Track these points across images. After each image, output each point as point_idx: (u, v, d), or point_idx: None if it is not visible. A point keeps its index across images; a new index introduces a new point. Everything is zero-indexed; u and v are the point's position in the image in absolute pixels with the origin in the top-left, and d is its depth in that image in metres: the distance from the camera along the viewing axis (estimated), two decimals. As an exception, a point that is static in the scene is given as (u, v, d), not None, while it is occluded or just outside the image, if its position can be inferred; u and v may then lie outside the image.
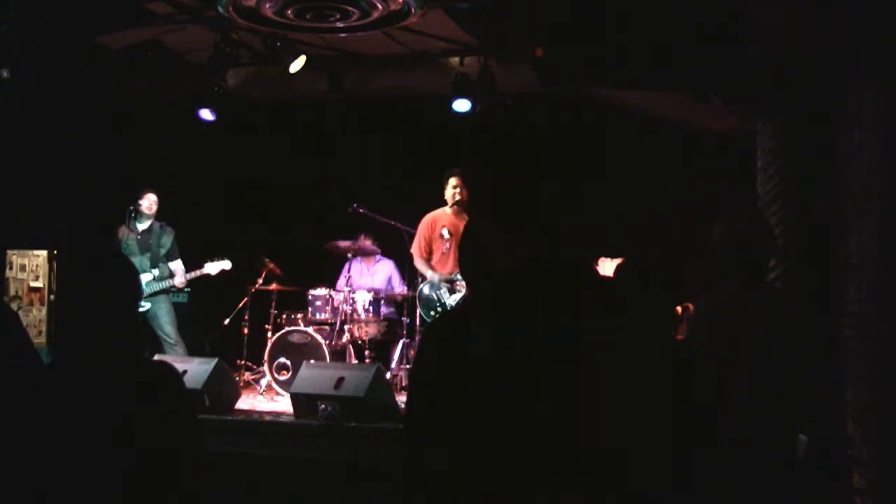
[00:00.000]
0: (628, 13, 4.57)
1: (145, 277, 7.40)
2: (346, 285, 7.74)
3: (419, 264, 7.18)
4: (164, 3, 6.31)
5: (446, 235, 7.08)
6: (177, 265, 7.61)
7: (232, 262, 7.70)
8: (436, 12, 6.25)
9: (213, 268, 7.58)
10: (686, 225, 7.07)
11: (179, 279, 7.53)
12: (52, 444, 2.19)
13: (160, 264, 7.53)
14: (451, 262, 7.04)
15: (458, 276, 6.97)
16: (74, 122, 7.94)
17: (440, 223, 7.13)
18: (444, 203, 7.19)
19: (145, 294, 7.36)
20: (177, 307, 7.70)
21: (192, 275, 7.58)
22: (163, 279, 7.50)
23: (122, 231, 7.54)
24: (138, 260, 7.40)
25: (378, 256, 8.31)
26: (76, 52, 6.93)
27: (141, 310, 7.38)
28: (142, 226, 7.56)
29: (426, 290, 7.13)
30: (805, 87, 5.11)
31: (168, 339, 7.42)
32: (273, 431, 6.02)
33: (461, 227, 7.49)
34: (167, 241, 7.62)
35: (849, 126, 4.81)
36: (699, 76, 4.84)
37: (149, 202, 7.51)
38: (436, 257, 7.16)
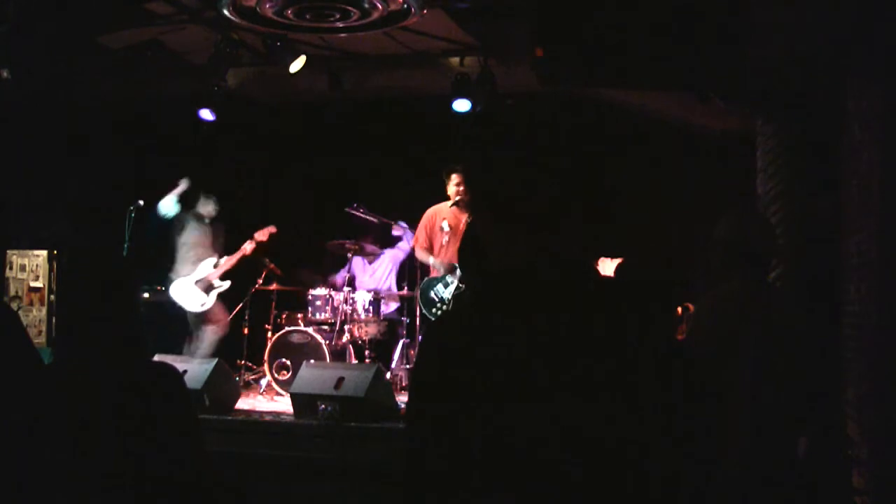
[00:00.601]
0: (628, 13, 4.56)
1: (210, 264, 7.67)
2: (348, 284, 7.75)
3: (420, 254, 7.20)
4: (164, 3, 6.31)
5: (445, 228, 7.07)
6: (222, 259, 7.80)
7: (232, 262, 7.72)
8: (436, 12, 6.25)
9: (252, 243, 7.73)
10: (686, 225, 7.06)
11: (231, 261, 7.73)
12: (52, 444, 2.19)
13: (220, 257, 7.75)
14: (448, 254, 7.03)
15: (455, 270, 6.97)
16: (74, 123, 7.94)
17: (440, 216, 7.13)
18: (445, 199, 7.18)
19: (216, 274, 7.65)
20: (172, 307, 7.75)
21: (235, 257, 7.75)
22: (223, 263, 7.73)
23: (192, 224, 7.73)
24: (208, 252, 7.71)
25: (380, 253, 8.32)
26: (76, 52, 6.92)
27: (202, 309, 7.62)
28: (210, 222, 7.79)
29: (425, 286, 7.16)
30: (805, 87, 5.11)
31: (200, 338, 7.62)
32: (273, 431, 6.02)
33: (461, 222, 7.46)
34: (222, 239, 7.87)
35: (849, 126, 4.81)
36: (699, 76, 4.84)
37: (213, 205, 7.76)
38: (435, 250, 7.16)
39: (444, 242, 7.06)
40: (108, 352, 2.29)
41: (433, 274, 7.15)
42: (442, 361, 1.68)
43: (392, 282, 8.26)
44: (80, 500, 2.19)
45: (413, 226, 7.50)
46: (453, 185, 7.03)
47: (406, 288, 8.06)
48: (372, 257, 8.29)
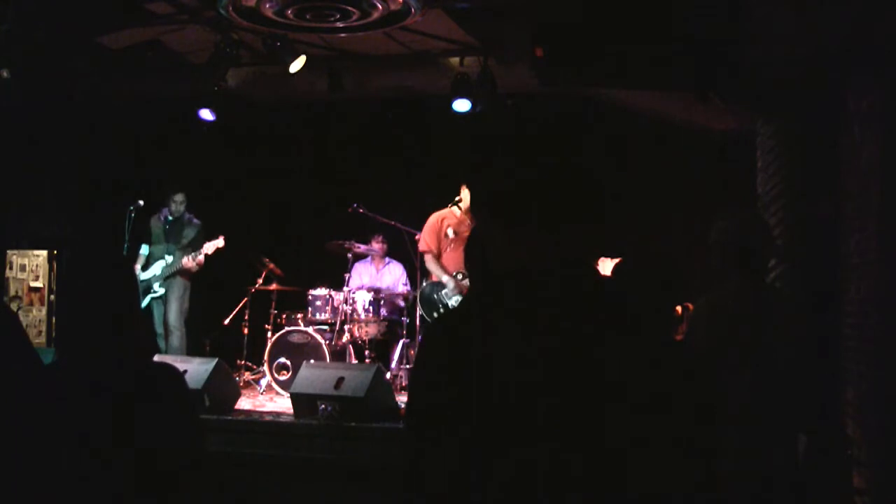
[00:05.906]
0: (628, 13, 4.57)
1: (161, 263, 7.69)
2: (354, 285, 7.75)
3: (433, 266, 7.04)
4: (164, 3, 6.31)
5: (451, 235, 7.02)
6: (199, 255, 7.71)
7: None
8: (436, 12, 6.25)
9: (209, 247, 7.65)
10: (686, 225, 7.06)
11: (186, 260, 7.64)
12: (52, 444, 2.19)
13: (177, 253, 7.68)
14: (453, 261, 6.98)
15: (460, 276, 6.92)
16: (74, 123, 7.94)
17: (447, 222, 7.06)
18: (445, 201, 7.15)
19: (158, 277, 7.68)
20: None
21: (196, 255, 7.66)
22: (174, 265, 7.68)
23: (154, 221, 7.83)
24: (164, 247, 7.73)
25: (387, 259, 8.30)
26: (76, 52, 6.93)
27: (157, 295, 7.69)
28: (172, 217, 7.82)
29: (428, 290, 7.09)
30: (805, 87, 5.11)
31: (169, 327, 7.62)
32: (273, 431, 6.02)
33: (466, 228, 7.31)
34: (190, 232, 7.81)
35: (849, 126, 4.81)
36: (699, 76, 4.84)
37: (176, 203, 7.78)
38: (441, 257, 7.12)
39: (448, 250, 7.02)
40: (109, 352, 2.28)
41: (433, 279, 7.09)
42: (441, 362, 1.68)
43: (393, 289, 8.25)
44: (79, 501, 2.19)
45: (412, 225, 7.48)
46: (463, 191, 6.97)
47: (409, 289, 8.05)
48: (381, 261, 8.28)
